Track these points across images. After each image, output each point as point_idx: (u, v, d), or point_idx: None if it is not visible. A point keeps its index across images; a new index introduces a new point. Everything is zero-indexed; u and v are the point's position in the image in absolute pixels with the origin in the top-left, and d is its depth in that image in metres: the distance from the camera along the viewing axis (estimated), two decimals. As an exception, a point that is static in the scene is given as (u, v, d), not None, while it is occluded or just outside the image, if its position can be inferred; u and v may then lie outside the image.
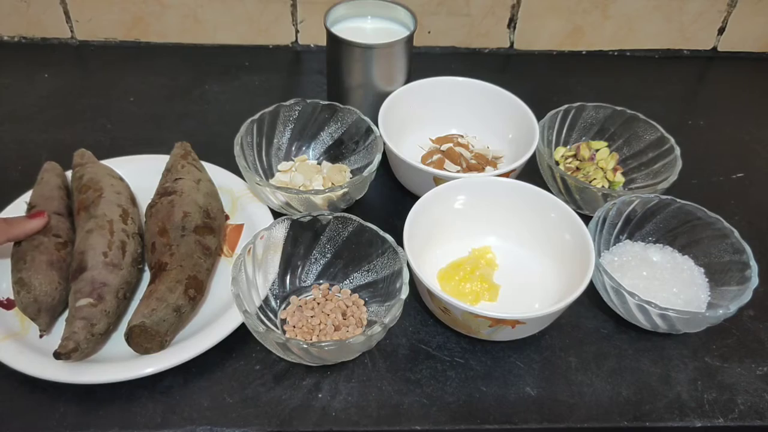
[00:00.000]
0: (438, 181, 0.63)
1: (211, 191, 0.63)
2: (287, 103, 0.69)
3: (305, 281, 0.60)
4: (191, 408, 0.51)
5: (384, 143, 0.65)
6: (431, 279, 0.59)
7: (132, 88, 0.83)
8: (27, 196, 0.61)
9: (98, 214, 0.57)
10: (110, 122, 0.78)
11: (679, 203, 0.62)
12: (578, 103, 0.73)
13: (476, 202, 0.63)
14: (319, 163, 0.71)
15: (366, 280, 0.59)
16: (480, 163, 0.70)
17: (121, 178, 0.64)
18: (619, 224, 0.63)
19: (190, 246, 0.56)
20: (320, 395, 0.53)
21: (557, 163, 0.72)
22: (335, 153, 0.71)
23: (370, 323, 0.56)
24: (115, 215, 0.58)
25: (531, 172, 0.68)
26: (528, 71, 0.91)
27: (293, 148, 0.71)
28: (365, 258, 0.58)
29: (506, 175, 0.64)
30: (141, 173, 0.66)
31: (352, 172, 0.69)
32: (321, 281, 0.60)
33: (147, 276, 0.58)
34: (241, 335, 0.54)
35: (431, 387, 0.54)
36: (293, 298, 0.58)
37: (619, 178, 0.71)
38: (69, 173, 0.65)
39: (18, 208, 0.61)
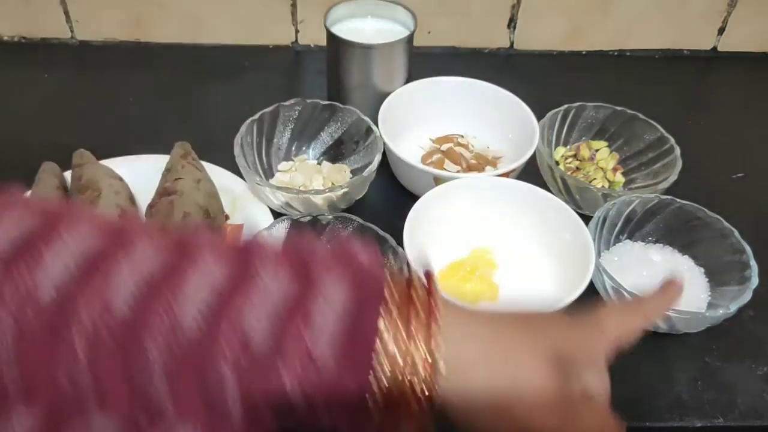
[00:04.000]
0: (438, 181, 0.63)
1: (211, 191, 0.63)
2: (287, 103, 0.69)
3: (305, 281, 0.60)
4: (191, 408, 0.51)
5: (384, 143, 0.65)
6: (431, 279, 0.59)
7: (132, 88, 0.83)
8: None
9: (98, 214, 0.57)
10: (110, 122, 0.78)
11: (679, 203, 0.62)
12: (578, 103, 0.73)
13: (476, 202, 0.63)
14: (319, 163, 0.71)
15: (366, 280, 0.59)
16: (480, 163, 0.70)
17: (120, 178, 0.64)
18: (619, 224, 0.63)
19: (190, 246, 0.56)
20: (320, 395, 0.53)
21: (557, 163, 0.72)
22: (335, 153, 0.71)
23: (370, 323, 0.56)
24: (114, 215, 0.58)
25: (531, 172, 0.68)
26: (528, 71, 0.91)
27: (293, 148, 0.71)
28: (365, 258, 0.58)
29: (506, 175, 0.64)
30: (141, 173, 0.66)
31: (352, 172, 0.69)
32: (321, 281, 0.60)
33: (147, 276, 0.58)
34: (240, 335, 0.54)
35: (431, 387, 0.54)
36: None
37: (619, 178, 0.71)
38: (69, 173, 0.65)
39: (18, 208, 0.61)
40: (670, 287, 0.42)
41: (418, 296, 0.31)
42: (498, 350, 0.33)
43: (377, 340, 0.29)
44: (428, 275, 0.33)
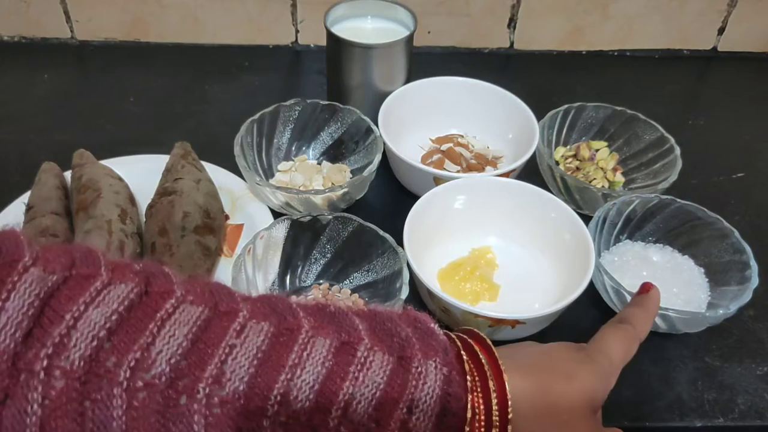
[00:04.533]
0: (438, 181, 0.63)
1: (211, 191, 0.63)
2: (287, 103, 0.69)
3: (305, 281, 0.60)
4: (191, 408, 0.51)
5: (384, 143, 0.65)
6: (431, 279, 0.59)
7: (132, 88, 0.83)
8: (26, 197, 0.61)
9: (97, 215, 0.57)
10: (110, 122, 0.78)
11: (679, 203, 0.62)
12: (578, 103, 0.73)
13: (476, 202, 0.63)
14: (319, 163, 0.71)
15: (366, 280, 0.59)
16: (480, 163, 0.70)
17: (120, 178, 0.64)
18: (619, 224, 0.63)
19: (190, 246, 0.56)
20: (320, 395, 0.53)
21: (557, 163, 0.72)
22: (335, 153, 0.71)
23: (370, 323, 0.56)
24: (114, 215, 0.58)
25: (531, 172, 0.68)
26: (528, 71, 0.91)
27: (293, 148, 0.71)
28: (365, 258, 0.58)
29: (506, 175, 0.64)
30: (141, 173, 0.66)
31: (352, 172, 0.69)
32: (321, 281, 0.60)
33: (147, 276, 0.58)
34: (240, 335, 0.54)
35: (431, 387, 0.54)
36: (293, 298, 0.58)
37: (619, 178, 0.71)
38: (69, 174, 0.65)
39: (17, 209, 0.61)
40: (650, 296, 0.45)
41: (483, 360, 0.34)
42: (554, 420, 0.35)
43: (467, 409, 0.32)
44: (478, 337, 0.36)
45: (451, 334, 0.36)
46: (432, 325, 0.34)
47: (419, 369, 0.31)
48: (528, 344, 0.40)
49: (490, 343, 0.35)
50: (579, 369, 0.37)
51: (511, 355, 0.36)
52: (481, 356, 0.34)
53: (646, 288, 0.46)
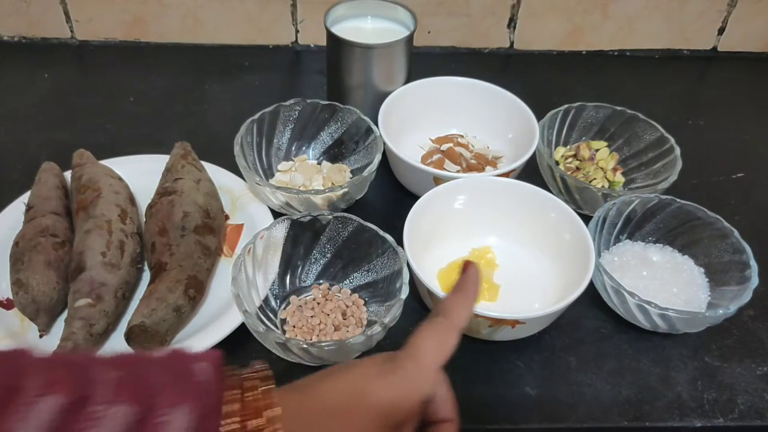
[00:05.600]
0: (438, 181, 0.63)
1: (211, 191, 0.63)
2: (287, 103, 0.69)
3: (305, 281, 0.60)
4: (191, 408, 0.51)
5: (384, 143, 0.65)
6: (431, 279, 0.59)
7: (132, 88, 0.83)
8: (26, 197, 0.61)
9: (97, 214, 0.57)
10: (110, 122, 0.78)
11: (679, 203, 0.62)
12: (578, 103, 0.73)
13: (476, 202, 0.63)
14: (319, 163, 0.71)
15: (366, 280, 0.59)
16: (480, 163, 0.70)
17: (119, 178, 0.64)
18: (619, 224, 0.63)
19: (190, 246, 0.56)
20: (320, 395, 0.53)
21: (557, 163, 0.72)
22: (335, 153, 0.71)
23: (370, 323, 0.56)
24: (114, 215, 0.58)
25: (531, 172, 0.68)
26: (528, 71, 0.91)
27: (293, 148, 0.71)
28: (365, 258, 0.58)
29: (506, 175, 0.64)
30: (141, 173, 0.66)
31: (352, 172, 0.69)
32: (321, 281, 0.60)
33: (147, 276, 0.58)
34: (241, 335, 0.54)
35: (431, 387, 0.53)
36: (293, 298, 0.58)
37: (619, 178, 0.71)
38: (69, 173, 0.65)
39: (17, 208, 0.61)
40: (467, 277, 0.44)
41: (256, 401, 0.33)
42: None
43: None
44: (261, 371, 0.35)
45: (232, 372, 0.35)
46: (195, 365, 0.33)
47: (163, 418, 0.30)
48: (329, 370, 0.38)
49: (269, 374, 0.35)
50: (375, 385, 0.36)
51: (298, 387, 0.36)
52: (251, 394, 0.33)
53: (464, 268, 0.44)
